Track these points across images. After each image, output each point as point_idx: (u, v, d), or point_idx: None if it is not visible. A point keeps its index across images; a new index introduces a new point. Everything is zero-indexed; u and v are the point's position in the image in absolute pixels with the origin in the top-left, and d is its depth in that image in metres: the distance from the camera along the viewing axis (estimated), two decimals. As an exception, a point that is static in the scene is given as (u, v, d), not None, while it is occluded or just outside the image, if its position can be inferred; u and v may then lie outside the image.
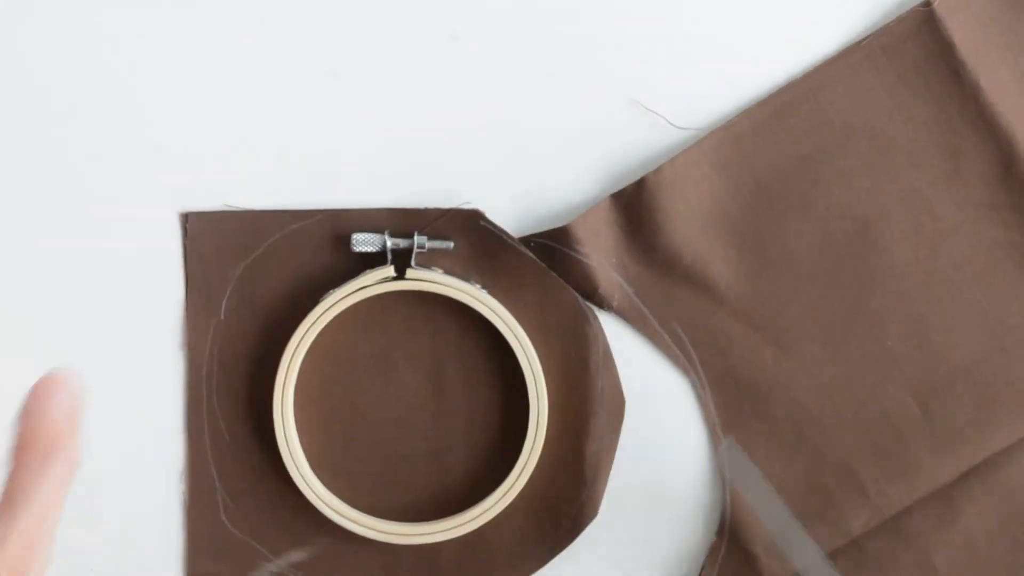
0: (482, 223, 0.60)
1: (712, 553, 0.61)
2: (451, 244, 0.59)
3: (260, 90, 0.60)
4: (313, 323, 0.58)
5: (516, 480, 0.59)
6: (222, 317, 0.60)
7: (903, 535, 0.61)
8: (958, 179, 0.61)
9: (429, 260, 0.60)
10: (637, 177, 0.60)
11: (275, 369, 0.58)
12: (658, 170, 0.60)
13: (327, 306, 0.58)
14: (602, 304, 0.60)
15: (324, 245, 0.60)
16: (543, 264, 0.60)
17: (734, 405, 0.61)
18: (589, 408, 0.60)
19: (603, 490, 0.60)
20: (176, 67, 0.60)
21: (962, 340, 0.61)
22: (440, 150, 0.61)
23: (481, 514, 0.59)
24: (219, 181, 0.60)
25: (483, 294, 0.59)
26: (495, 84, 0.61)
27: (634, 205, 0.60)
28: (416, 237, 0.59)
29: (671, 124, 0.61)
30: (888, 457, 0.60)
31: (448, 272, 0.59)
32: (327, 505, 0.59)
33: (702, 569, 0.60)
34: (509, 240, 0.60)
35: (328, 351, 0.60)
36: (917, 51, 0.60)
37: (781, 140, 0.61)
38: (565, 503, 0.60)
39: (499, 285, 0.60)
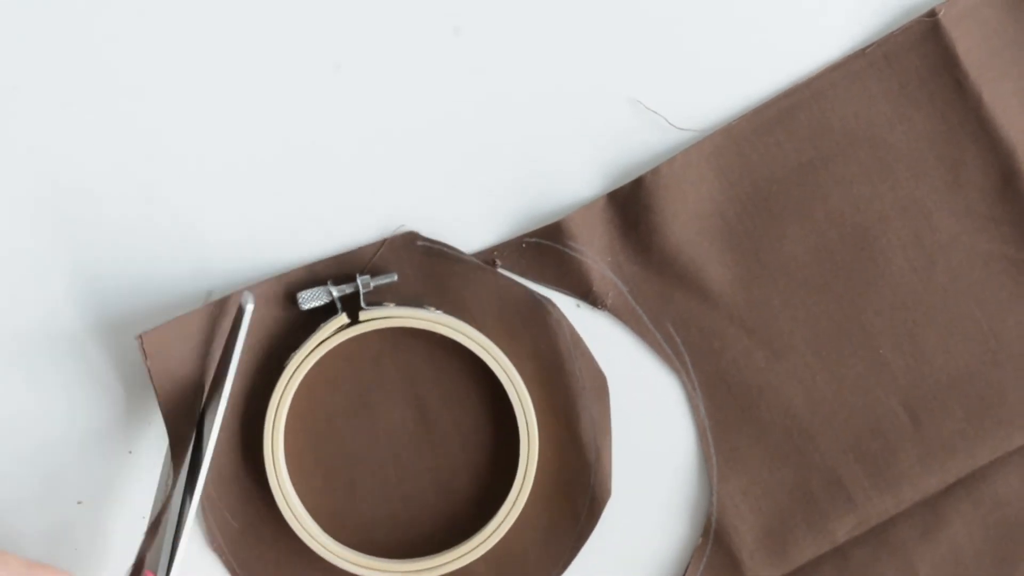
0: (419, 243, 0.60)
1: (697, 553, 0.61)
2: (395, 276, 0.59)
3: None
4: (284, 389, 0.58)
5: (522, 486, 0.59)
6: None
7: (888, 544, 0.61)
8: (958, 190, 0.60)
9: (380, 296, 0.60)
10: (635, 176, 0.60)
11: (261, 442, 0.59)
12: (656, 170, 0.60)
13: (292, 369, 0.58)
14: (596, 302, 0.60)
15: (275, 309, 0.60)
16: (488, 266, 0.60)
17: (724, 407, 0.61)
18: (573, 393, 0.60)
19: (610, 467, 0.60)
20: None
21: (955, 351, 0.61)
22: (442, 148, 0.61)
23: (497, 528, 0.59)
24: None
25: (439, 315, 0.59)
26: (495, 81, 0.61)
27: (631, 204, 0.60)
28: (359, 279, 0.59)
29: (671, 125, 0.61)
30: (876, 465, 0.60)
31: (400, 303, 0.59)
32: (342, 558, 0.59)
33: (686, 569, 0.61)
34: (450, 251, 0.60)
35: (307, 410, 0.60)
36: (920, 61, 0.60)
37: (781, 145, 0.60)
38: (577, 491, 0.60)
39: (452, 298, 0.60)
